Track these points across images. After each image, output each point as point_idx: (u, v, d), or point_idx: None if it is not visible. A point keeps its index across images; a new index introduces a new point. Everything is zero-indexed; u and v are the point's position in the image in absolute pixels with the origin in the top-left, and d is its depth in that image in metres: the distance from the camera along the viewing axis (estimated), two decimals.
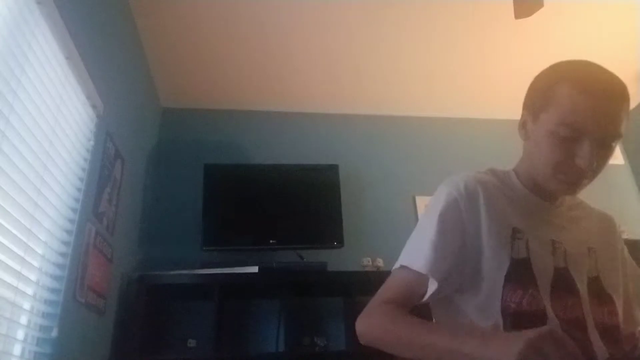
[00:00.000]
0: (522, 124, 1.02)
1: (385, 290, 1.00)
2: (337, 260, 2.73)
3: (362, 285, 2.46)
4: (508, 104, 3.26)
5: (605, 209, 1.15)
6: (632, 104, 1.69)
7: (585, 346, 0.87)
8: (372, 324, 0.96)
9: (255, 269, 2.47)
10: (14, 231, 1.35)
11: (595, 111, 0.88)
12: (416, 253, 0.97)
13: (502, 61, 2.98)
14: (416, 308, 0.97)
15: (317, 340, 2.59)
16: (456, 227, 0.96)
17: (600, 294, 0.98)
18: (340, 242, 2.76)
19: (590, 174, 0.93)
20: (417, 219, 3.06)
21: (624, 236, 1.43)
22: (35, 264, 1.51)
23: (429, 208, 1.03)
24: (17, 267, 1.37)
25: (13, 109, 1.33)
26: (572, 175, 0.93)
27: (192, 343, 2.53)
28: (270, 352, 2.57)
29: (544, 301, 0.91)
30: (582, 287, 0.96)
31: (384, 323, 0.93)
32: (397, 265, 1.01)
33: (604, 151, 0.91)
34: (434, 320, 1.09)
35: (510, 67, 3.02)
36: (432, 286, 0.94)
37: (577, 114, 0.89)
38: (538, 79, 1.01)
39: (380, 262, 2.67)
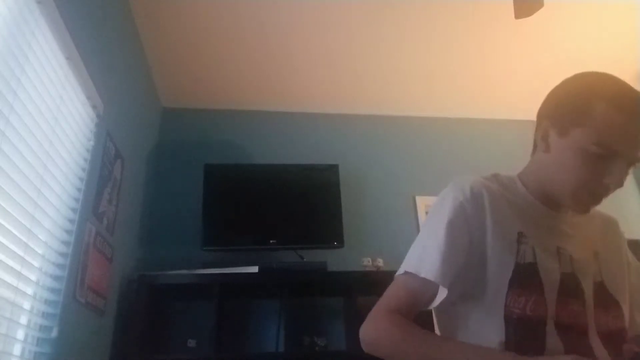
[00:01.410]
0: (543, 136, 0.98)
1: (390, 298, 0.97)
2: (337, 260, 2.72)
3: (362, 285, 2.46)
4: (508, 104, 3.29)
5: (604, 209, 1.14)
6: None
7: (585, 352, 0.87)
8: (378, 333, 0.93)
9: (255, 269, 2.47)
10: (14, 231, 1.35)
11: (632, 132, 0.88)
12: (423, 260, 0.95)
13: (502, 61, 2.98)
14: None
15: (317, 340, 2.59)
16: (463, 232, 0.95)
17: (605, 298, 0.97)
18: (340, 242, 2.75)
19: (610, 192, 0.92)
20: (417, 219, 3.07)
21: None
22: (35, 264, 1.51)
23: (434, 213, 1.01)
24: (17, 267, 1.38)
25: (13, 109, 1.33)
26: (593, 194, 0.92)
27: (192, 343, 2.53)
28: (270, 352, 2.57)
29: (547, 307, 0.90)
30: (588, 292, 0.96)
31: (393, 334, 0.91)
32: (401, 271, 0.98)
33: (629, 171, 0.91)
34: (435, 324, 1.08)
35: (510, 67, 3.02)
36: (442, 293, 0.92)
37: (614, 134, 0.88)
38: (568, 91, 0.97)
39: (380, 262, 2.67)
